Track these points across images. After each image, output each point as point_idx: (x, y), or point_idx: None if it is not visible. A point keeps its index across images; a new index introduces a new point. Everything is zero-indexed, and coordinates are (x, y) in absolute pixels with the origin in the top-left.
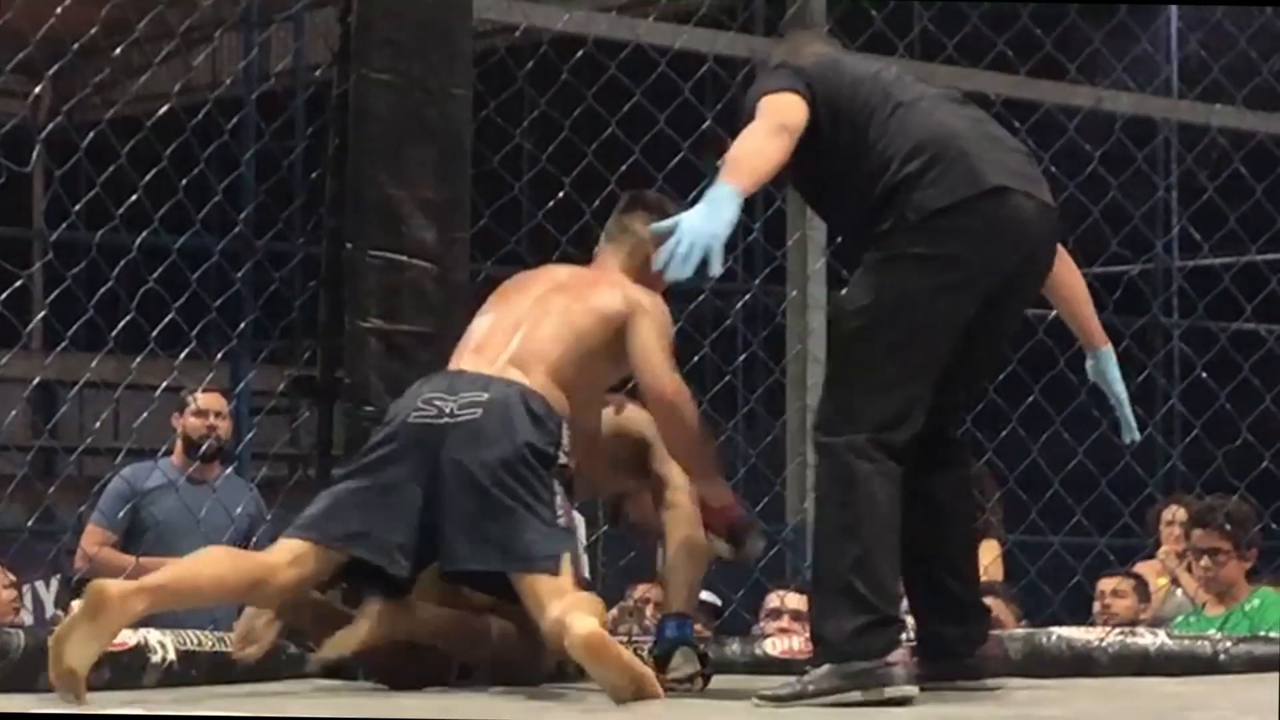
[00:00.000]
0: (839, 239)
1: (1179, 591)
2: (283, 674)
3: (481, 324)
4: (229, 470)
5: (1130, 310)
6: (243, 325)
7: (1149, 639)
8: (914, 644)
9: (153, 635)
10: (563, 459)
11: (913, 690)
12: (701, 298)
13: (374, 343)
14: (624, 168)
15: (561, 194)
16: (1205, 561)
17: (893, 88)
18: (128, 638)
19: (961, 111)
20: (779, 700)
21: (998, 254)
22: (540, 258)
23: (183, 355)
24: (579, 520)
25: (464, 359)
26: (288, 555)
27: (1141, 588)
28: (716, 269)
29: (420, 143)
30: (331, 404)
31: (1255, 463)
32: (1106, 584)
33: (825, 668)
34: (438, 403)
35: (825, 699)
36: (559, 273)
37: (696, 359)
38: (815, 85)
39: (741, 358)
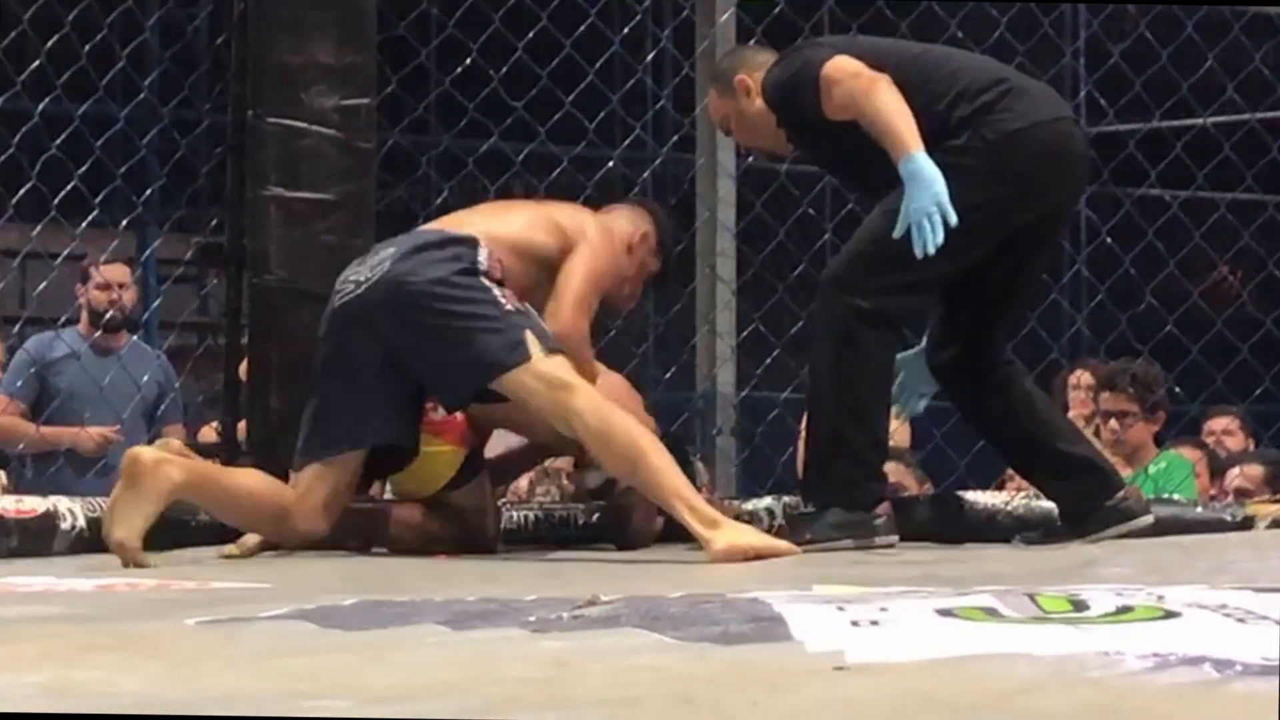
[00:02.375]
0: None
1: None
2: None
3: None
4: (135, 339)
5: None
6: (148, 193)
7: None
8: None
9: (63, 503)
10: (482, 265)
11: (895, 539)
12: (609, 165)
13: (274, 210)
14: (531, 35)
15: (469, 60)
16: (1113, 424)
17: (900, 43)
18: (37, 505)
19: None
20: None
21: (1059, 177)
22: (447, 124)
23: (86, 223)
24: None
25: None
26: (302, 487)
27: None
28: (952, 218)
29: (322, 7)
30: (240, 272)
31: (1159, 327)
32: None
33: (821, 518)
34: (353, 278)
35: (819, 546)
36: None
37: None
38: (837, 45)
39: None
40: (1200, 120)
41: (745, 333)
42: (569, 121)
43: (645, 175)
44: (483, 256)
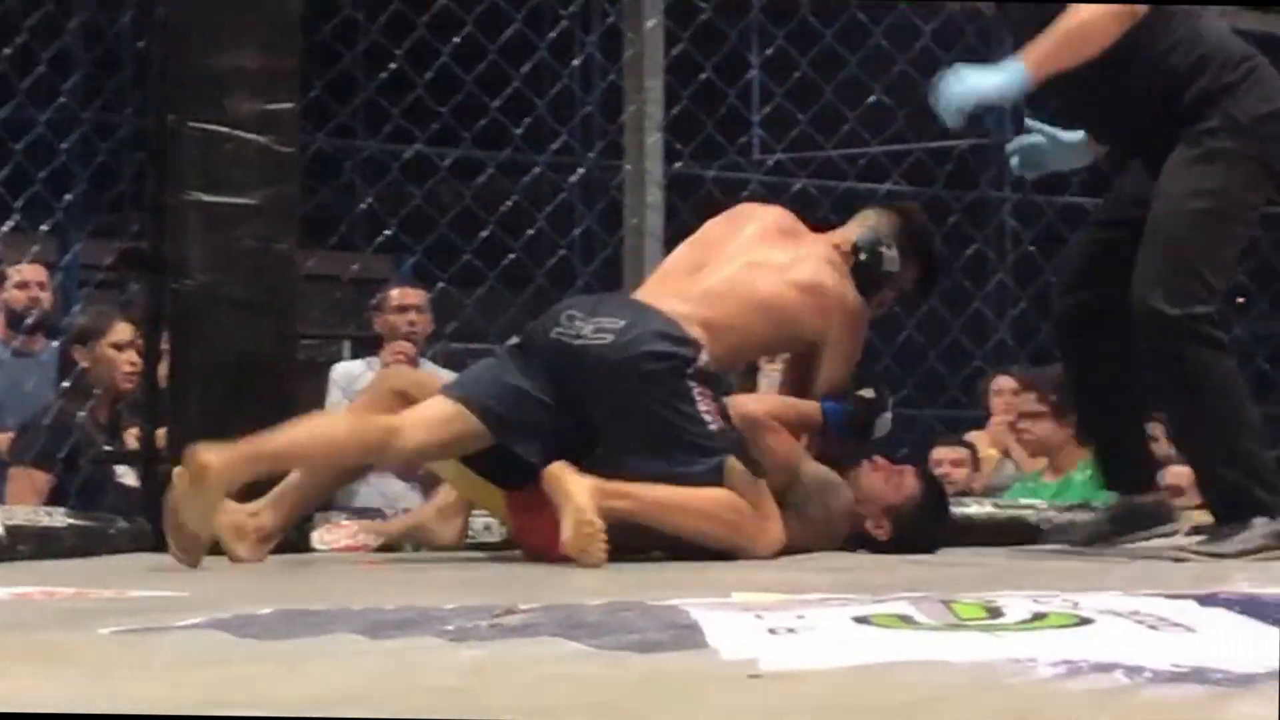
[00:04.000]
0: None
1: (1008, 462)
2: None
3: (675, 254)
4: (56, 344)
5: (960, 185)
6: (69, 197)
7: (975, 508)
8: None
9: None
10: (701, 361)
11: None
12: (537, 171)
13: (195, 215)
14: (457, 40)
15: (394, 66)
16: (1024, 423)
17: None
18: None
19: None
20: (1217, 557)
21: None
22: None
23: (7, 228)
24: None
25: (644, 287)
26: (431, 412)
27: (973, 457)
28: (956, 119)
29: (246, 12)
30: (161, 277)
31: None
32: (942, 453)
33: (1255, 530)
34: (578, 322)
35: (1258, 555)
36: (775, 221)
37: (532, 233)
38: None
39: (577, 231)
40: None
41: None
42: (495, 128)
43: (572, 181)
44: (703, 355)
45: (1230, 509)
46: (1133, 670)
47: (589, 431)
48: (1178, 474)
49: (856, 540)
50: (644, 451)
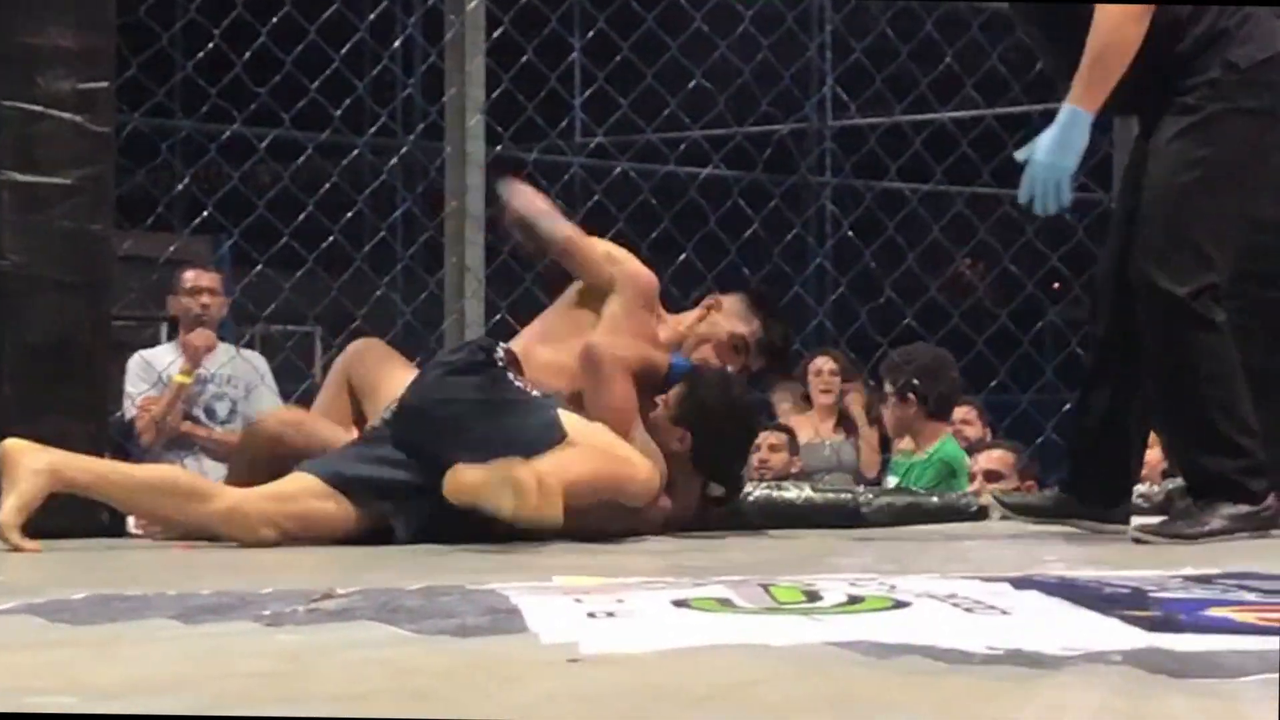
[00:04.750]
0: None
1: (827, 444)
2: None
3: None
4: None
5: (781, 169)
6: None
7: (794, 492)
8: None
9: None
10: (499, 351)
11: None
12: (356, 152)
13: (8, 195)
14: (275, 20)
15: (211, 45)
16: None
17: None
18: None
19: None
20: (1179, 537)
21: None
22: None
23: None
24: None
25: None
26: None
27: (792, 441)
28: (1066, 199)
29: None
30: None
31: (900, 319)
32: (764, 437)
33: (1212, 512)
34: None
35: (1220, 539)
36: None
37: (352, 215)
38: None
39: (398, 213)
40: (939, 115)
41: (493, 321)
42: (315, 109)
43: (393, 163)
44: (500, 351)
45: (1202, 489)
46: (948, 652)
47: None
48: (1002, 460)
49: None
50: (482, 448)
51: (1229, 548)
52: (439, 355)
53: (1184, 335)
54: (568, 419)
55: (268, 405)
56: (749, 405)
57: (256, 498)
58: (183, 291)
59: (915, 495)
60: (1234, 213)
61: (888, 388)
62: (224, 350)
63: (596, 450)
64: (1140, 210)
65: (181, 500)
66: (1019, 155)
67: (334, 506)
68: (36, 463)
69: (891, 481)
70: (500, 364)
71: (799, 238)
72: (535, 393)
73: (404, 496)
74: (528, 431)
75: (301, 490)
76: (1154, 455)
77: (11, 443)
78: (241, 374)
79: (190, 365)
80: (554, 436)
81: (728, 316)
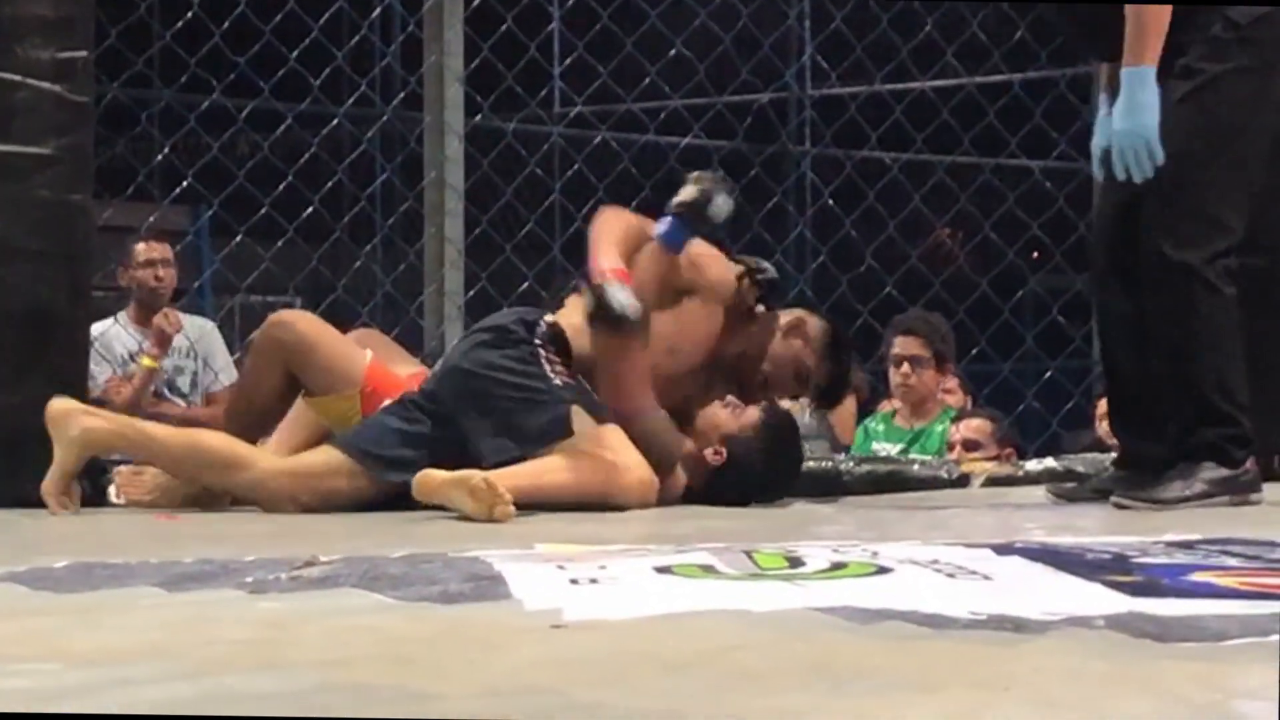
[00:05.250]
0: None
1: (808, 413)
2: None
3: None
4: None
5: (761, 138)
6: None
7: None
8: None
9: None
10: (542, 326)
11: (1262, 495)
12: (335, 122)
13: None
14: None
15: (190, 14)
16: (905, 368)
17: None
18: None
19: None
20: (1156, 503)
21: None
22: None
23: None
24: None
25: None
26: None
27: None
28: (1159, 156)
29: None
30: None
31: (880, 288)
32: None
33: (1199, 474)
34: None
35: (1198, 504)
36: None
37: (331, 185)
38: None
39: (377, 183)
40: (919, 84)
41: (472, 292)
42: (294, 78)
43: (372, 133)
44: (542, 321)
45: (1186, 453)
46: (931, 618)
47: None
48: (979, 428)
49: (694, 474)
50: (492, 429)
51: (1211, 514)
52: (488, 319)
53: (1190, 302)
54: (578, 418)
55: (225, 372)
56: (795, 468)
57: (283, 473)
58: (136, 264)
59: (897, 463)
60: (1241, 174)
61: (917, 347)
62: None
63: (584, 457)
64: (1147, 181)
65: (220, 469)
66: (1097, 144)
67: (358, 484)
68: (71, 429)
69: (885, 450)
70: (539, 341)
71: (779, 206)
72: (558, 381)
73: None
74: (534, 428)
75: (327, 469)
76: (985, 425)
77: (56, 404)
78: (195, 344)
79: (159, 351)
80: (558, 435)
81: (806, 345)
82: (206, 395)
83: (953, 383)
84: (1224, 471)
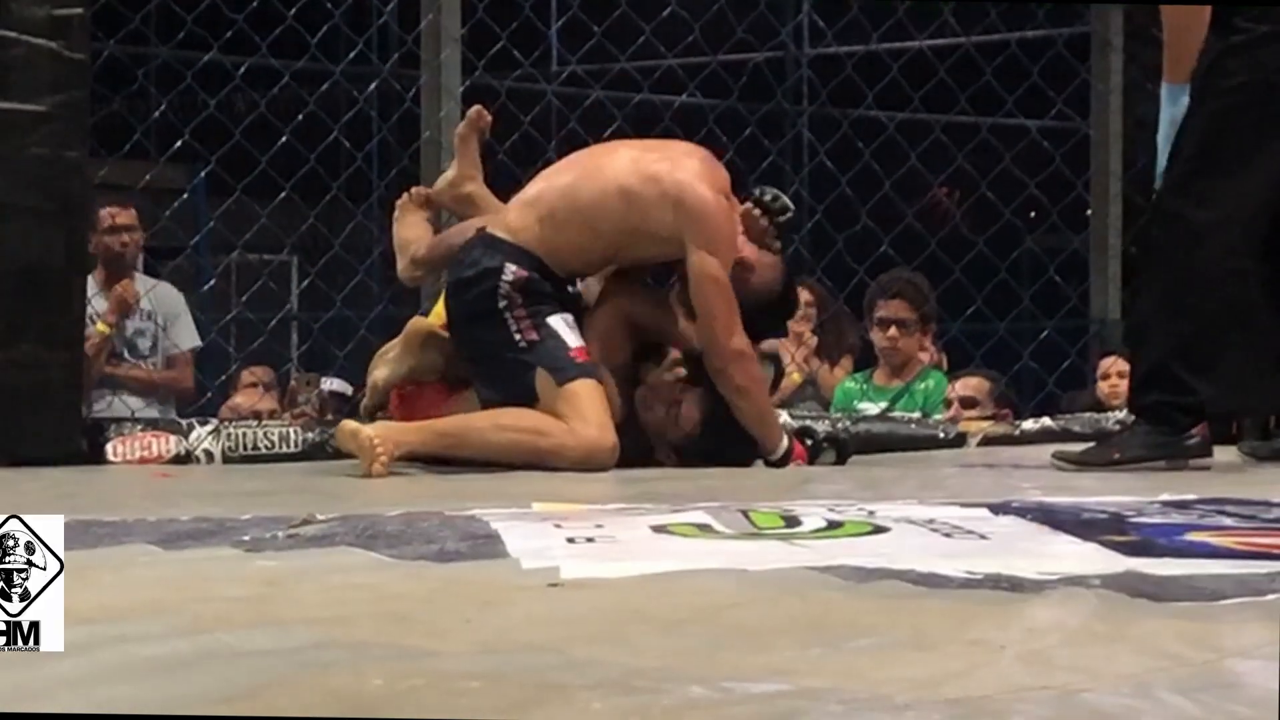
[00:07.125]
0: None
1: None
2: None
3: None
4: None
5: (757, 97)
6: None
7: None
8: None
9: None
10: (508, 275)
11: (1209, 460)
12: (332, 80)
13: None
14: None
15: None
16: (892, 330)
17: None
18: None
19: None
20: (1084, 465)
21: None
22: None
23: None
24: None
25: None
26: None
27: (777, 368)
28: (1161, 164)
29: None
30: None
31: (876, 247)
32: None
33: (1137, 436)
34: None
35: (1130, 468)
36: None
37: (329, 143)
38: None
39: (373, 141)
40: (916, 43)
41: None
42: (291, 35)
43: (369, 91)
44: (510, 268)
45: (1136, 411)
46: (927, 577)
47: None
48: (976, 386)
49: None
50: (477, 378)
51: (1210, 475)
52: (455, 271)
53: (1188, 260)
54: (542, 384)
55: (185, 336)
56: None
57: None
58: (101, 230)
59: (894, 422)
60: (1269, 139)
61: (903, 310)
62: (140, 284)
63: (525, 421)
64: (1177, 137)
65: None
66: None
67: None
68: (366, 444)
69: (869, 409)
70: (503, 302)
71: (775, 165)
72: (523, 342)
73: None
74: (499, 398)
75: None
76: (982, 384)
77: (348, 425)
78: (159, 308)
79: (115, 318)
80: (524, 400)
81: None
82: (167, 358)
83: (926, 339)
84: (1164, 433)
